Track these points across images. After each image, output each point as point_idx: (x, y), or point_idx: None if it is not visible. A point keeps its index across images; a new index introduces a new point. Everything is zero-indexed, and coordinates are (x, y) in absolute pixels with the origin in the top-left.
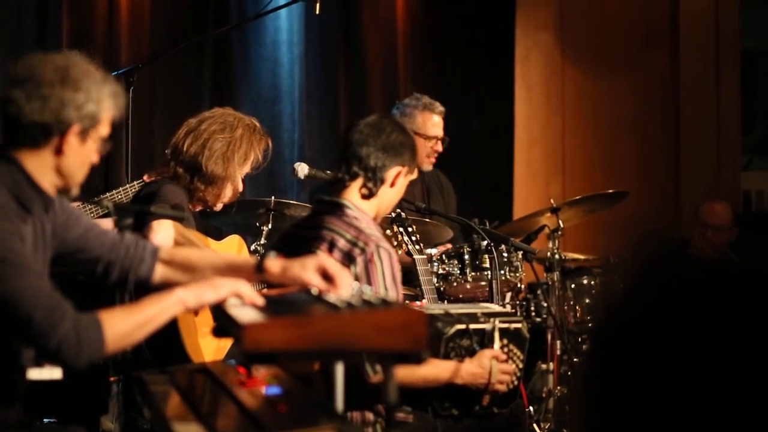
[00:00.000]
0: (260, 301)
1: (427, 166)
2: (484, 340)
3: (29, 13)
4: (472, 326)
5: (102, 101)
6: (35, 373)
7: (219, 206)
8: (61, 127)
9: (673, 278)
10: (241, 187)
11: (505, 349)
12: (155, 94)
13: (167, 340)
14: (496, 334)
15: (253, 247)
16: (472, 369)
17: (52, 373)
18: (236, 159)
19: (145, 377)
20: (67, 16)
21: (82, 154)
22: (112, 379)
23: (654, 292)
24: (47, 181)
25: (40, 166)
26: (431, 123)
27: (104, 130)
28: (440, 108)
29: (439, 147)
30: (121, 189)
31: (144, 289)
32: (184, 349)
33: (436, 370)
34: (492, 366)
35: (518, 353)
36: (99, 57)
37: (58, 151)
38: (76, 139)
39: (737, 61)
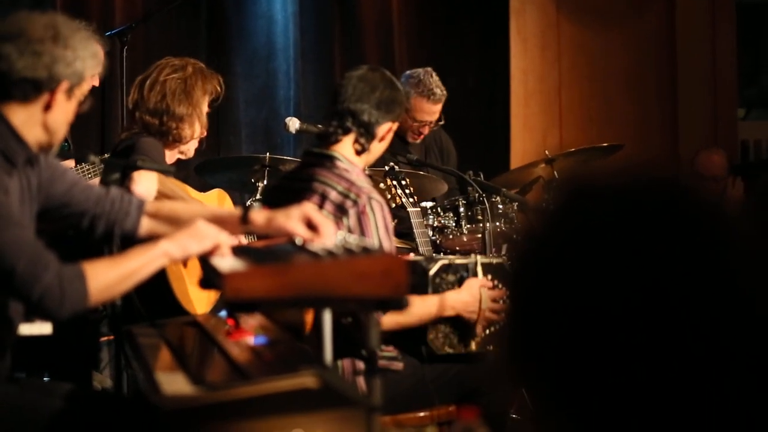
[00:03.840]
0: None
1: (410, 139)
2: (468, 274)
3: None
4: (456, 261)
5: (87, 59)
6: (25, 329)
7: (193, 146)
8: (52, 84)
9: (593, 213)
10: (206, 122)
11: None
12: (149, 54)
13: (158, 292)
14: (479, 269)
15: (248, 203)
16: (462, 297)
17: (41, 328)
18: (196, 92)
19: (134, 330)
20: None
21: (67, 111)
22: (103, 339)
23: (574, 227)
24: (32, 136)
25: (27, 121)
26: (421, 109)
27: (86, 88)
28: (438, 95)
29: (425, 130)
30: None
31: (130, 242)
32: (176, 300)
33: (425, 305)
34: (482, 293)
35: (504, 286)
36: (93, 17)
37: (48, 107)
38: (64, 96)
39: (732, 12)
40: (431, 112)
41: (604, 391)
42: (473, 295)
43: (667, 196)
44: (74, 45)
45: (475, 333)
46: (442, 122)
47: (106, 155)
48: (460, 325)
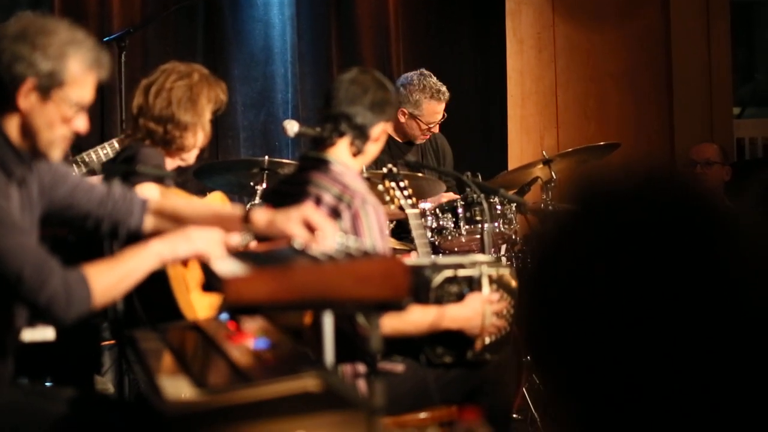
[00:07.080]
0: (233, 250)
1: (419, 141)
2: (473, 286)
3: None
4: (460, 272)
5: (63, 60)
6: (28, 334)
7: (195, 154)
8: (14, 82)
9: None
10: (209, 130)
11: (496, 295)
12: (147, 59)
13: (159, 297)
14: (485, 280)
15: (248, 207)
16: (463, 313)
17: (44, 333)
18: (201, 100)
19: (136, 335)
20: None
21: (47, 114)
22: (105, 343)
23: (593, 231)
24: (22, 141)
25: (14, 127)
26: (434, 111)
27: (78, 93)
28: (445, 92)
29: (436, 129)
30: (98, 148)
31: (136, 240)
32: (176, 306)
33: (425, 316)
34: (485, 309)
35: (508, 297)
36: (91, 22)
37: (16, 108)
38: (35, 96)
39: (726, 10)
40: (441, 111)
41: (615, 388)
42: (476, 311)
43: (684, 200)
44: (42, 44)
45: (474, 347)
46: (445, 115)
47: (90, 151)
48: (459, 338)
